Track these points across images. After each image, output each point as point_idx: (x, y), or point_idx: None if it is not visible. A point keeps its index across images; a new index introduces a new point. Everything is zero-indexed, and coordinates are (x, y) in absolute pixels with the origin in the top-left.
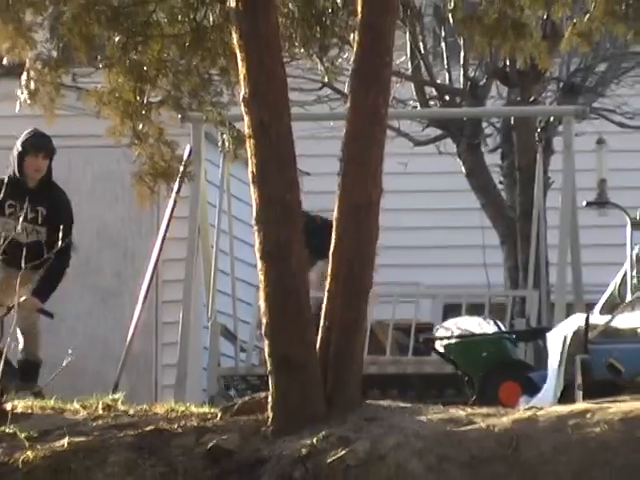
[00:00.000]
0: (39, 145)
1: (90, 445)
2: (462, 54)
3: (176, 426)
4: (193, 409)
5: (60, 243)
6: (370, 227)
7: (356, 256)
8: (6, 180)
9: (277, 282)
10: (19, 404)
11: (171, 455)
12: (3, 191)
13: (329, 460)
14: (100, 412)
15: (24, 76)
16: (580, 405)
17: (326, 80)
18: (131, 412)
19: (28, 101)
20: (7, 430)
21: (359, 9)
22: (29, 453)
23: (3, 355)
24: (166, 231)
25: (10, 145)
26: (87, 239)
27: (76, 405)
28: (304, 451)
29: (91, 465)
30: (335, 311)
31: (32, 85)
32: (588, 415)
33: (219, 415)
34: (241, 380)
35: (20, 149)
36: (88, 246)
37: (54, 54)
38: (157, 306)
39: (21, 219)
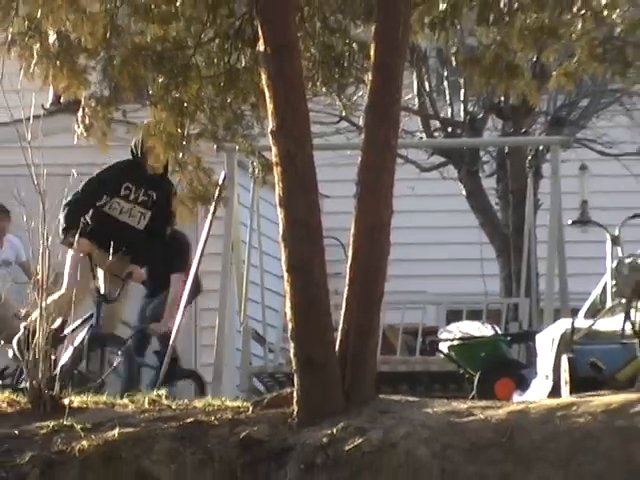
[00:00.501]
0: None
1: (138, 435)
2: (462, 91)
3: (213, 418)
4: (228, 403)
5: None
6: (382, 244)
7: (370, 269)
8: (126, 163)
9: (301, 292)
10: (75, 399)
11: (208, 444)
12: (123, 174)
13: (347, 448)
14: (146, 406)
15: (80, 112)
16: (567, 399)
17: (344, 114)
18: (173, 406)
19: (84, 134)
20: (65, 422)
21: (372, 53)
22: (84, 442)
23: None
24: (204, 247)
25: (67, 172)
26: None
27: (125, 400)
28: (325, 440)
29: (139, 453)
30: (352, 317)
31: (87, 120)
32: (574, 408)
33: (250, 409)
34: (270, 377)
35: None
36: None
37: (106, 93)
38: (196, 313)
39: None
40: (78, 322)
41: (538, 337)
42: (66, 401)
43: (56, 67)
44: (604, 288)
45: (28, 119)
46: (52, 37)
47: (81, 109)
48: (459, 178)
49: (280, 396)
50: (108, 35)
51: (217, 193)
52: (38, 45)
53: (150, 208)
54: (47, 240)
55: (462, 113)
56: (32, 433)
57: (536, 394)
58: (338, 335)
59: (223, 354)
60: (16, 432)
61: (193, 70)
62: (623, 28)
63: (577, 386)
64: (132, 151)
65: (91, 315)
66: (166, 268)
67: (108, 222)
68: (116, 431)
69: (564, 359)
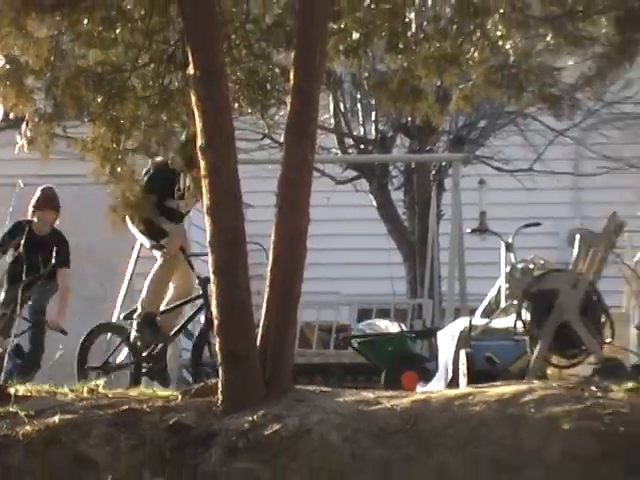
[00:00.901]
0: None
1: (76, 421)
2: (374, 112)
3: (145, 406)
4: (159, 392)
5: None
6: (299, 250)
7: (288, 272)
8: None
9: (226, 292)
10: (20, 388)
11: (141, 429)
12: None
13: (266, 433)
14: (85, 395)
15: (24, 127)
16: (464, 389)
17: (267, 132)
18: (109, 395)
19: (27, 147)
20: (10, 409)
21: (292, 77)
22: (28, 428)
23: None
24: (139, 251)
25: (13, 182)
26: (78, 258)
27: (66, 389)
28: (247, 426)
29: (77, 438)
30: (272, 315)
31: (29, 134)
32: (470, 397)
33: (179, 397)
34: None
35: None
36: (78, 263)
37: (49, 110)
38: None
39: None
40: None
41: (440, 334)
42: (12, 390)
43: (6, 87)
44: (499, 290)
45: None
46: (1, 60)
47: (25, 124)
48: (370, 190)
49: (206, 386)
50: (53, 58)
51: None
52: None
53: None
54: None
55: (373, 132)
56: None
57: (437, 385)
58: (259, 331)
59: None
60: None
61: (129, 91)
62: (516, 57)
63: (474, 378)
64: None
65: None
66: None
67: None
68: (57, 417)
69: (462, 353)
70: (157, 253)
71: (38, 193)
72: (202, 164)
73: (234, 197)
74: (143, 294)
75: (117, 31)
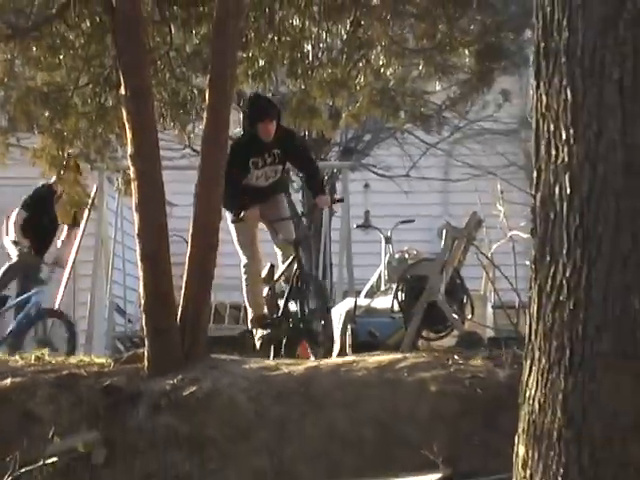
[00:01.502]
0: (267, 113)
1: (25, 384)
2: None
3: (83, 371)
4: (95, 360)
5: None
6: (212, 241)
7: (203, 259)
8: (241, 142)
9: (151, 276)
10: None
11: (79, 390)
12: (241, 153)
13: (185, 394)
14: (33, 361)
15: None
16: (349, 358)
17: (187, 143)
18: (53, 361)
19: None
20: None
21: (207, 97)
22: None
23: None
24: (80, 241)
25: None
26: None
27: (17, 357)
28: (168, 388)
29: (25, 397)
30: (190, 295)
31: None
32: (354, 364)
33: (112, 364)
34: (128, 340)
35: (250, 117)
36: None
37: (3, 123)
38: (74, 291)
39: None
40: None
41: (332, 311)
42: None
43: None
44: (379, 276)
45: None
46: None
47: None
48: None
49: (135, 355)
50: (6, 79)
51: (90, 201)
52: None
53: (279, 162)
54: None
55: None
56: None
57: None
58: (179, 309)
59: (94, 322)
60: None
61: (71, 108)
62: (394, 82)
63: (357, 349)
64: (243, 128)
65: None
66: None
67: (253, 190)
68: (8, 380)
69: (349, 328)
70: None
71: None
72: (132, 169)
73: (157, 197)
74: (245, 297)
75: (61, 57)
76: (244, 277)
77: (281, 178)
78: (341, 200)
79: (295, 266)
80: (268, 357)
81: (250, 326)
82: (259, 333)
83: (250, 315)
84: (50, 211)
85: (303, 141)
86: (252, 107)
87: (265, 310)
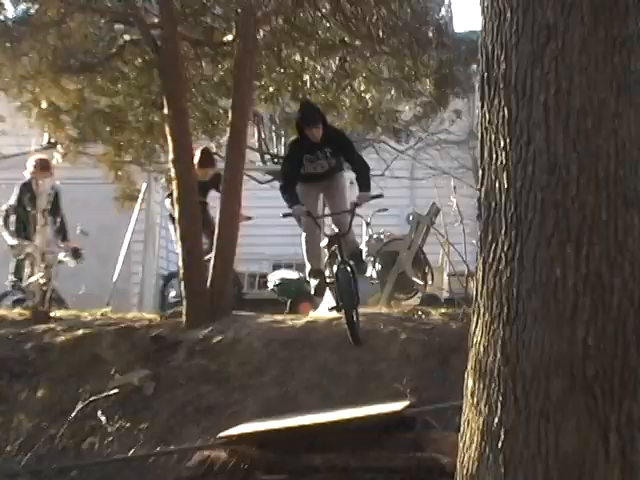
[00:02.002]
0: (310, 120)
1: (93, 333)
2: (283, 138)
3: (137, 324)
4: (146, 316)
5: (354, 158)
6: (234, 224)
7: (227, 239)
8: (296, 142)
9: (187, 253)
10: (58, 313)
11: (134, 339)
12: (296, 151)
13: (214, 341)
14: (99, 317)
15: (59, 147)
16: (338, 314)
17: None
18: (114, 317)
19: (61, 159)
20: (51, 326)
21: (230, 116)
22: (62, 337)
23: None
24: (134, 227)
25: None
26: (93, 232)
27: (86, 313)
28: (200, 336)
29: (93, 344)
30: (217, 267)
31: (64, 151)
32: (342, 319)
33: (159, 319)
34: (174, 303)
35: (300, 123)
36: (92, 235)
37: (75, 136)
38: (130, 264)
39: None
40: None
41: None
42: (52, 314)
43: (48, 121)
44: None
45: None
46: (45, 104)
47: (60, 145)
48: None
49: (176, 312)
50: (78, 103)
51: (141, 195)
52: (36, 110)
53: (332, 156)
54: None
55: (283, 151)
56: (30, 332)
57: (322, 312)
58: (209, 277)
59: (144, 287)
60: (22, 331)
61: (127, 124)
62: (372, 104)
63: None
64: (298, 131)
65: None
66: None
67: (311, 175)
68: (80, 331)
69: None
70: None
71: None
72: (173, 172)
73: (193, 192)
74: (305, 255)
75: (119, 86)
76: (304, 242)
77: (336, 164)
78: (380, 196)
79: (338, 255)
80: (320, 300)
81: (307, 276)
82: (313, 282)
83: (308, 268)
84: None
85: (350, 141)
86: (300, 114)
87: (321, 265)
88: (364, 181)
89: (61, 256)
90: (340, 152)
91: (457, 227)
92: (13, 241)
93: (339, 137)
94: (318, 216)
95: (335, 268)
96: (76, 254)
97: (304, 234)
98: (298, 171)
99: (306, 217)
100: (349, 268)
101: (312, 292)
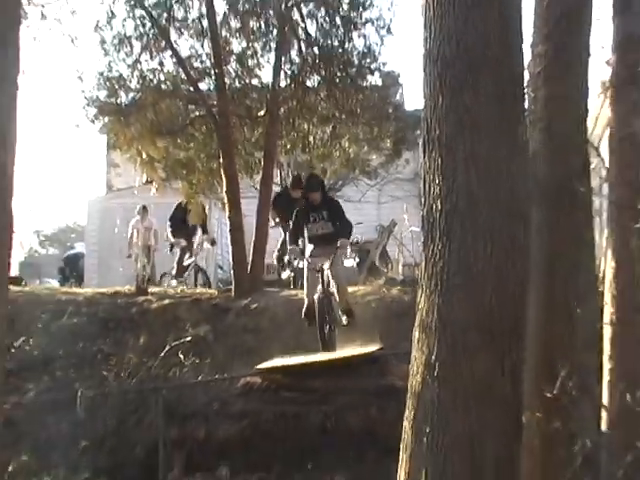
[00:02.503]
0: (311, 188)
1: (175, 302)
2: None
3: (203, 297)
4: (209, 291)
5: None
6: (263, 239)
7: (260, 246)
8: (303, 204)
9: (236, 251)
10: (154, 289)
11: (201, 306)
12: (303, 210)
13: (251, 307)
14: (178, 292)
15: (154, 183)
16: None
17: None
18: (188, 292)
19: (156, 191)
20: (148, 297)
21: (262, 165)
22: (155, 305)
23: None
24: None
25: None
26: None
27: (171, 290)
28: (243, 304)
29: (175, 308)
30: (253, 260)
31: (157, 185)
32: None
33: (217, 293)
34: (224, 282)
35: (305, 189)
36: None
37: (163, 176)
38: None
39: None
40: None
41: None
42: (149, 289)
43: (147, 167)
44: None
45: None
46: (144, 155)
47: (153, 182)
48: None
49: (227, 289)
50: (165, 155)
51: (207, 213)
52: (139, 159)
53: (327, 221)
54: None
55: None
56: (135, 301)
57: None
58: (249, 266)
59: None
60: (129, 301)
61: (197, 168)
62: (353, 155)
63: None
64: (303, 197)
65: None
66: None
67: (314, 237)
68: (166, 301)
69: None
70: None
71: None
72: (225, 198)
73: (239, 213)
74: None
75: (191, 144)
76: (305, 285)
77: (334, 232)
78: (357, 243)
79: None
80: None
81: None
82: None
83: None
84: (185, 218)
85: (341, 207)
86: (306, 183)
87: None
88: (345, 234)
89: (205, 244)
90: (333, 214)
91: (408, 234)
92: (172, 239)
93: (333, 202)
94: (316, 267)
95: (317, 296)
96: (213, 242)
97: (305, 283)
98: (306, 220)
99: (300, 257)
100: (326, 300)
101: (303, 315)
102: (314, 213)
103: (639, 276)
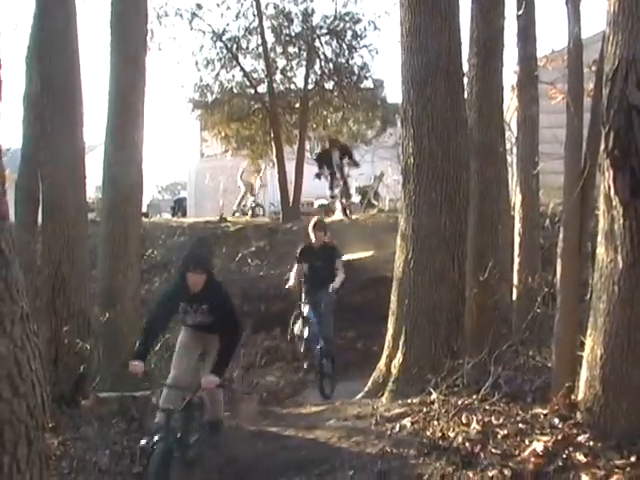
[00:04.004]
0: (195, 266)
1: (243, 227)
2: None
3: (261, 223)
4: (265, 219)
5: (228, 326)
6: (299, 186)
7: (297, 188)
8: (175, 290)
9: (283, 193)
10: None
11: (261, 228)
12: (176, 297)
13: (293, 228)
14: (247, 220)
15: (229, 152)
16: None
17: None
18: (251, 220)
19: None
20: (227, 223)
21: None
22: (232, 228)
23: None
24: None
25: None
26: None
27: (243, 219)
28: (287, 227)
29: (244, 229)
30: (295, 197)
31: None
32: None
33: (270, 220)
34: (276, 212)
35: (182, 267)
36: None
37: (234, 146)
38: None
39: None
40: None
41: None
42: (228, 218)
43: (226, 141)
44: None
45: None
46: (223, 133)
47: (230, 151)
48: None
49: (277, 217)
50: (236, 134)
51: (261, 173)
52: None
53: (209, 314)
54: None
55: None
56: (219, 226)
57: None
58: (291, 201)
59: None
60: (215, 226)
61: (256, 142)
62: (355, 130)
63: None
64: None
65: None
66: None
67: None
68: (238, 225)
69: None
70: None
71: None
72: (275, 161)
73: (283, 167)
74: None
75: (252, 126)
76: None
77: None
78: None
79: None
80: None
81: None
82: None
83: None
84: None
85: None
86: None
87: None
88: (220, 364)
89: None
90: (214, 314)
91: (391, 181)
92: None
93: (216, 294)
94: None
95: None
96: (356, 164)
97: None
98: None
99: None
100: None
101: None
102: (185, 304)
103: (536, 204)
